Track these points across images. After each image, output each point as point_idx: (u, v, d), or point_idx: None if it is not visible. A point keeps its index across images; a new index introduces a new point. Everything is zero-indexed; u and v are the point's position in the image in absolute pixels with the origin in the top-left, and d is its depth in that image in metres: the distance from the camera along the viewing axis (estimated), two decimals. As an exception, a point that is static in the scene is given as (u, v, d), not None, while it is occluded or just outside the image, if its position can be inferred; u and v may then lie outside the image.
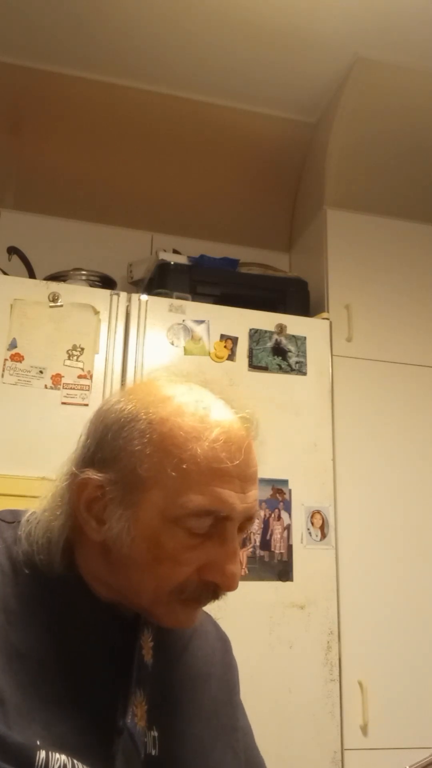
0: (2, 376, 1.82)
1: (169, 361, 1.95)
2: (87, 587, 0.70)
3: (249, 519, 0.68)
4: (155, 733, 0.68)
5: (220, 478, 0.65)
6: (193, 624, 0.72)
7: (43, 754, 0.58)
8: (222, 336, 2.02)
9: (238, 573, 0.67)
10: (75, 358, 1.89)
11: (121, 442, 0.67)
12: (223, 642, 0.85)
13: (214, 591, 0.68)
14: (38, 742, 0.58)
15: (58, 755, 0.58)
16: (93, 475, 0.67)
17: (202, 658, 0.79)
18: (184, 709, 0.73)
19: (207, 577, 0.66)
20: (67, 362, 1.88)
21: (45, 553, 0.69)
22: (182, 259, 2.21)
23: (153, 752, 0.67)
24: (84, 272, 2.15)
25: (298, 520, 1.92)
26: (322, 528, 1.94)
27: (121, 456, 0.67)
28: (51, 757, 0.58)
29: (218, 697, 0.78)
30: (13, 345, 1.85)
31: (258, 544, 1.86)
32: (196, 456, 0.64)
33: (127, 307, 1.98)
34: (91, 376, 1.88)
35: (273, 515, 1.90)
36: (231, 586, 0.66)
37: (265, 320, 2.08)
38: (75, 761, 0.59)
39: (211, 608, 0.74)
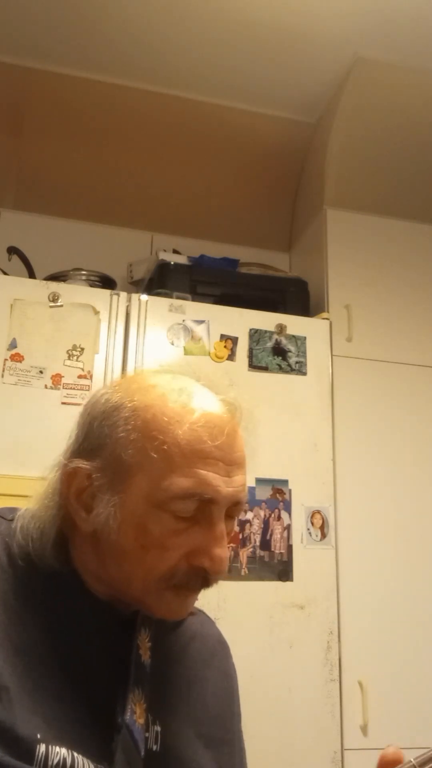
0: (2, 376, 1.82)
1: (160, 358, 1.94)
2: (83, 584, 0.70)
3: (237, 504, 0.68)
4: (158, 728, 0.68)
5: (203, 460, 0.65)
6: (186, 614, 0.72)
7: (43, 747, 0.58)
8: (222, 336, 2.02)
9: (226, 557, 0.67)
10: (75, 358, 1.89)
11: (107, 430, 0.68)
12: (223, 647, 0.85)
13: (205, 577, 0.67)
14: (39, 736, 0.59)
15: (58, 749, 0.59)
16: (81, 464, 0.68)
17: (201, 662, 0.79)
18: (180, 710, 0.73)
19: (195, 562, 0.66)
20: (67, 362, 1.88)
21: (38, 544, 0.69)
22: (182, 259, 2.21)
23: (155, 747, 0.67)
24: (84, 272, 2.15)
25: (298, 520, 1.92)
26: (322, 528, 1.94)
27: (107, 443, 0.67)
28: (51, 751, 0.58)
29: (214, 704, 0.77)
30: (13, 345, 1.85)
31: (258, 544, 1.86)
32: (177, 437, 0.65)
33: (127, 307, 1.98)
34: (91, 376, 1.88)
35: (273, 515, 1.90)
36: (219, 570, 0.66)
37: (265, 320, 2.08)
38: (75, 754, 0.59)
39: (211, 608, 0.74)
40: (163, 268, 2.16)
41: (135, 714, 0.65)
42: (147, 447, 0.65)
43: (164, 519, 0.65)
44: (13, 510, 0.75)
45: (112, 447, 0.67)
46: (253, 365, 2.02)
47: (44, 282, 2.01)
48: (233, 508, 0.68)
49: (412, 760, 0.67)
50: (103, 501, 0.66)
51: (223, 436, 0.66)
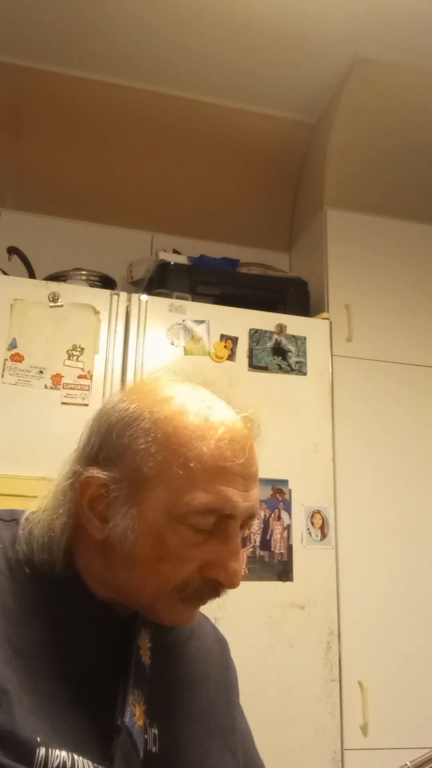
0: (2, 376, 1.82)
1: (169, 361, 1.95)
2: (85, 586, 0.70)
3: (251, 517, 0.69)
4: (155, 731, 0.68)
5: (225, 477, 0.65)
6: (192, 622, 0.72)
7: (43, 750, 0.58)
8: (222, 336, 2.02)
9: (240, 570, 0.67)
10: (75, 358, 1.89)
11: (126, 441, 0.67)
12: (220, 644, 0.85)
13: (216, 588, 0.68)
14: (39, 739, 0.58)
15: (58, 752, 0.59)
16: (97, 473, 0.67)
17: (200, 660, 0.79)
18: (182, 710, 0.73)
19: (209, 575, 0.67)
20: (67, 362, 1.88)
21: (47, 553, 0.69)
22: (182, 259, 2.21)
23: (153, 749, 0.67)
24: (84, 272, 2.15)
25: (298, 520, 1.92)
26: (322, 528, 1.94)
27: (126, 454, 0.67)
28: (51, 754, 0.58)
29: (216, 697, 0.78)
30: (13, 345, 1.85)
31: (258, 544, 1.86)
32: (202, 454, 0.65)
33: (127, 307, 1.98)
34: (91, 376, 1.88)
35: (273, 515, 1.90)
36: (233, 584, 0.67)
37: (265, 320, 2.08)
38: (75, 756, 0.59)
39: (211, 608, 0.75)
40: (163, 268, 2.16)
41: (135, 716, 0.65)
42: (169, 461, 0.65)
43: (182, 532, 0.65)
44: (12, 512, 0.74)
45: (131, 458, 0.66)
46: (253, 365, 2.02)
47: (44, 282, 2.01)
48: (247, 520, 0.69)
49: (408, 763, 0.68)
50: (120, 512, 0.66)
51: (245, 454, 0.67)
